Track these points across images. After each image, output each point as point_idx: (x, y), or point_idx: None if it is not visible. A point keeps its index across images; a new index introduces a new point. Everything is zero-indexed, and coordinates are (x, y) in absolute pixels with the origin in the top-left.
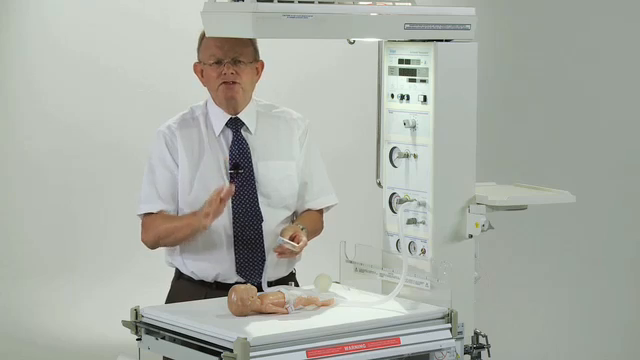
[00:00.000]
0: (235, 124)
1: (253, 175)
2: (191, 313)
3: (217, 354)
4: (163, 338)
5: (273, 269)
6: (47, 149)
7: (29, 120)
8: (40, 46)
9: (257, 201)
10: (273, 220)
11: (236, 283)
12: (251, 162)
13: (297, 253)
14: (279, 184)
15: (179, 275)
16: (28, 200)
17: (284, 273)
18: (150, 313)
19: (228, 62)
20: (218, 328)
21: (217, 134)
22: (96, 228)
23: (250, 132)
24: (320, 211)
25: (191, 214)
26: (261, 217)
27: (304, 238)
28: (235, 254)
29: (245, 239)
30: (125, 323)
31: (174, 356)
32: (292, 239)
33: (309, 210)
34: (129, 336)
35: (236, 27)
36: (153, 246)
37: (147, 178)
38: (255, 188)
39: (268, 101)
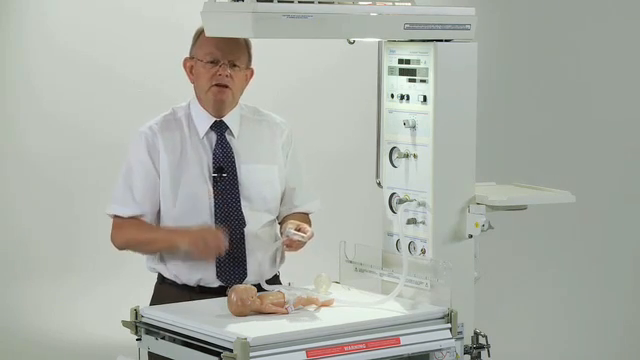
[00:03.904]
0: (219, 127)
1: (237, 178)
2: (191, 313)
3: (217, 354)
4: (163, 338)
5: (258, 272)
6: (46, 149)
7: (28, 120)
8: (39, 46)
9: (240, 205)
10: (255, 224)
11: (219, 287)
12: (235, 165)
13: (304, 244)
14: (262, 187)
15: (162, 279)
16: (27, 200)
17: (268, 275)
18: (150, 313)
19: (225, 64)
20: (218, 328)
21: (201, 136)
22: (96, 228)
23: (233, 135)
24: (307, 213)
25: (173, 230)
26: (244, 221)
27: (310, 229)
28: (216, 258)
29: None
30: (125, 323)
31: (174, 356)
32: (297, 231)
33: (296, 213)
34: (129, 336)
35: (236, 27)
36: (121, 249)
37: (123, 179)
38: (238, 192)
39: (252, 105)
